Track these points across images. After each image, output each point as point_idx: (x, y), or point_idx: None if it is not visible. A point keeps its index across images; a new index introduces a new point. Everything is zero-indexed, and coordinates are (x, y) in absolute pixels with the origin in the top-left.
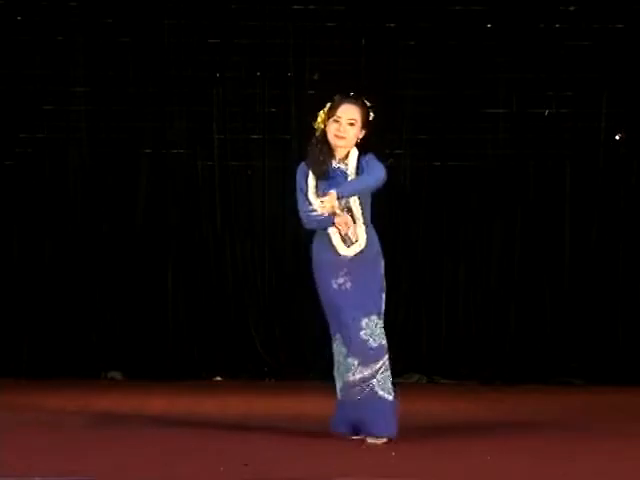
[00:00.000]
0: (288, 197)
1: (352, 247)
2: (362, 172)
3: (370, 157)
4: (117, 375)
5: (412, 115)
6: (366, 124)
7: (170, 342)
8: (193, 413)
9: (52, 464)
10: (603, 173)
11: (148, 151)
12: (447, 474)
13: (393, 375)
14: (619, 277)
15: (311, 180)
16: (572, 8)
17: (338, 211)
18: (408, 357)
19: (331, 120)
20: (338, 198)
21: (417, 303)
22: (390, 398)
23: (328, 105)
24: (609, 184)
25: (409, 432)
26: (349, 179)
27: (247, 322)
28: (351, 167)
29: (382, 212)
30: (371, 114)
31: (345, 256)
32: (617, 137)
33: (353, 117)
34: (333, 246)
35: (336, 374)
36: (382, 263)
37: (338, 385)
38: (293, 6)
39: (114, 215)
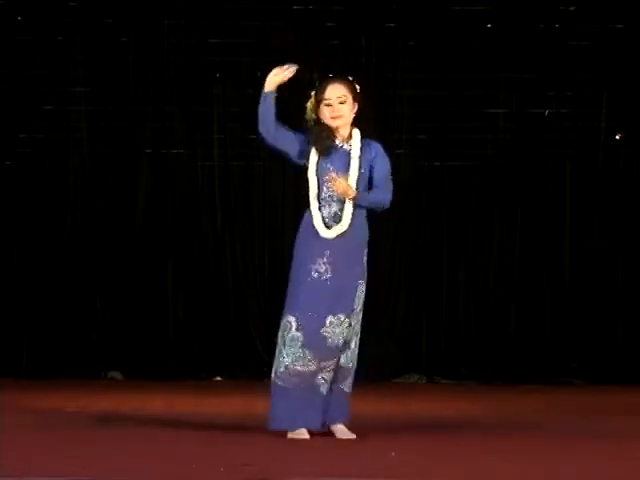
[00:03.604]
0: (288, 197)
1: (334, 228)
2: (367, 156)
3: (377, 150)
4: (117, 375)
5: (412, 115)
6: (356, 97)
7: (170, 342)
8: (193, 413)
9: (52, 464)
10: (603, 173)
11: (148, 151)
12: (447, 474)
13: (393, 375)
14: (619, 277)
15: (313, 156)
16: (572, 8)
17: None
18: (408, 357)
19: (322, 105)
20: (353, 198)
21: (417, 303)
22: (324, 393)
23: (312, 93)
24: (609, 184)
25: (409, 432)
26: (353, 160)
27: (247, 322)
28: (355, 148)
29: (382, 212)
30: (357, 87)
31: (327, 238)
32: (617, 137)
33: (342, 94)
34: (315, 228)
35: (278, 353)
36: (365, 251)
37: (277, 366)
38: (293, 6)
39: (114, 215)
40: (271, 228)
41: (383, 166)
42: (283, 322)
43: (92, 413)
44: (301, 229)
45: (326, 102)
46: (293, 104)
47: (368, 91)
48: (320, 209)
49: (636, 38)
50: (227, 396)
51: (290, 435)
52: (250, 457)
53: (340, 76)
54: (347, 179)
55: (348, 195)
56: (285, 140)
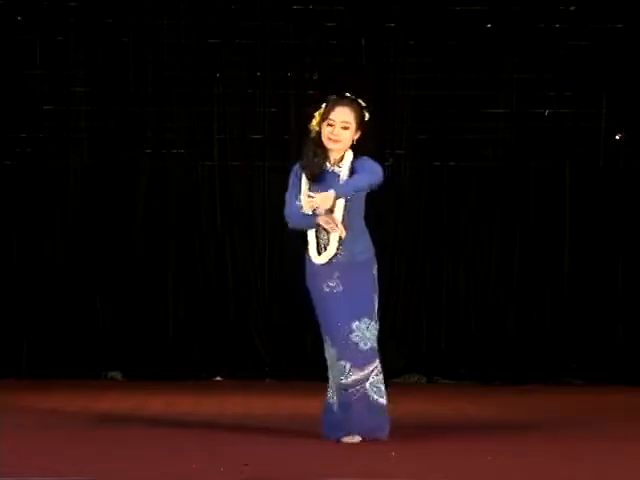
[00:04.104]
0: None
1: (323, 254)
2: (356, 173)
3: (365, 159)
4: (117, 375)
5: (412, 115)
6: (360, 125)
7: (170, 342)
8: (193, 413)
9: (52, 464)
10: (603, 173)
11: (148, 151)
12: (447, 474)
13: (393, 375)
14: (619, 277)
15: (304, 182)
16: (572, 8)
17: (322, 210)
18: (408, 357)
19: (325, 123)
20: (337, 197)
21: (417, 303)
22: (382, 401)
23: (323, 106)
24: (609, 184)
25: (409, 432)
26: (341, 182)
27: (247, 322)
28: (345, 170)
29: (382, 212)
30: (366, 114)
31: (320, 264)
32: (617, 137)
33: (347, 120)
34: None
35: (330, 376)
36: (375, 267)
37: (331, 387)
38: (293, 6)
39: (114, 215)
40: (271, 228)
41: (366, 160)
42: (324, 346)
43: (92, 413)
44: (306, 256)
45: (329, 122)
46: (294, 105)
47: (366, 90)
48: (316, 235)
49: (636, 38)
50: (227, 396)
51: (344, 439)
52: (250, 457)
53: (352, 100)
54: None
55: (330, 200)
56: (301, 224)
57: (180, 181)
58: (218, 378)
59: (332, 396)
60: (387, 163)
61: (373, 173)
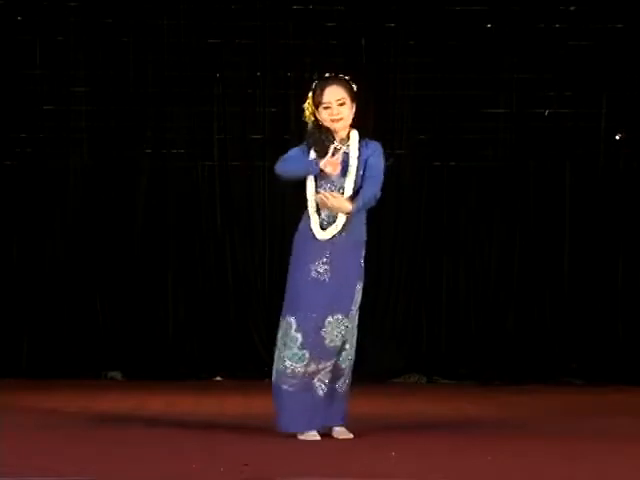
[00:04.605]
0: (288, 196)
1: (328, 230)
2: (364, 157)
3: (375, 148)
4: (117, 375)
5: (412, 115)
6: (354, 97)
7: (170, 342)
8: (193, 413)
9: (52, 464)
10: (603, 173)
11: (148, 151)
12: (447, 474)
13: (393, 375)
14: (619, 277)
15: (312, 157)
16: (572, 8)
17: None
18: (408, 357)
19: (321, 108)
20: (348, 213)
21: (417, 303)
22: (322, 395)
23: (310, 95)
24: (609, 184)
25: (409, 432)
26: (352, 161)
27: (247, 322)
28: (353, 149)
29: (382, 212)
30: (353, 85)
31: (323, 239)
32: (617, 137)
33: (340, 97)
34: (311, 230)
35: (278, 354)
36: (363, 252)
37: (277, 366)
38: (293, 6)
39: (114, 215)
40: (271, 228)
41: (376, 163)
42: (282, 323)
43: (92, 413)
44: (299, 230)
45: (325, 105)
46: (294, 105)
47: (366, 90)
48: (318, 211)
49: (636, 38)
50: (227, 396)
51: (301, 437)
52: (250, 457)
53: (336, 77)
54: (342, 193)
55: (344, 210)
56: (299, 169)
57: (180, 181)
58: (218, 378)
59: (277, 376)
60: (387, 163)
61: (375, 192)
